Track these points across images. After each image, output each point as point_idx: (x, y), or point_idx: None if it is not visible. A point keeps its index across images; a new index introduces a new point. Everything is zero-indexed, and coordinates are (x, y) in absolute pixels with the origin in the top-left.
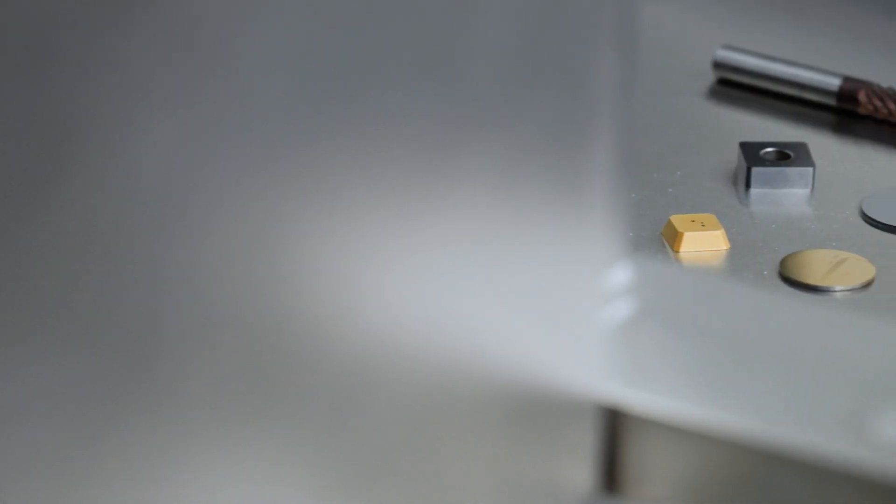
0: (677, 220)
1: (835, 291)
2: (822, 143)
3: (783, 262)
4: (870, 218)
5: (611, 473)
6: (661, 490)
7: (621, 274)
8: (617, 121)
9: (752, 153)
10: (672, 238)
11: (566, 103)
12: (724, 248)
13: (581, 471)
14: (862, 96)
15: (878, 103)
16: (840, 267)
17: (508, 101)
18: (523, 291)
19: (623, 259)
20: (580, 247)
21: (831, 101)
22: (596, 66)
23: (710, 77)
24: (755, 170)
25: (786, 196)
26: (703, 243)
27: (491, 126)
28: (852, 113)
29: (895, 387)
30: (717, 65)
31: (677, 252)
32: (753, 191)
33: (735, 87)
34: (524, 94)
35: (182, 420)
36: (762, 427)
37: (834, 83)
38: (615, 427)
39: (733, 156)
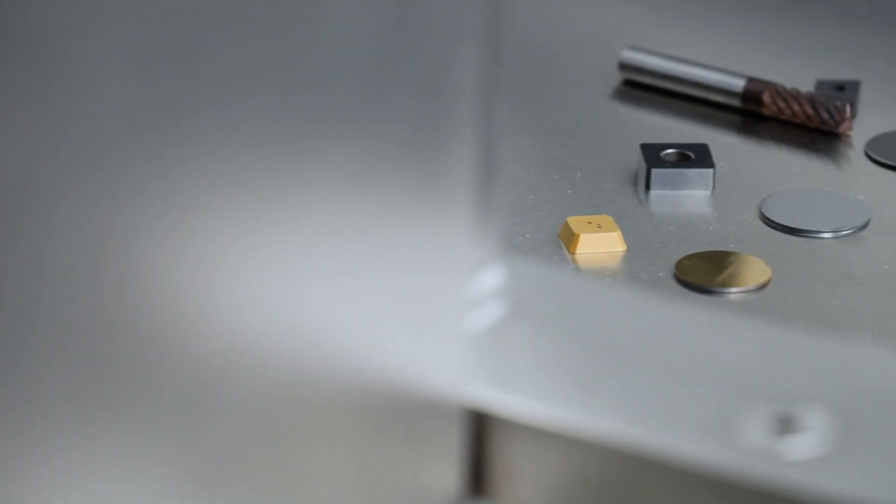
0: (574, 221)
1: (730, 293)
2: (726, 145)
3: (678, 264)
4: (769, 219)
5: (477, 476)
6: (527, 492)
7: (493, 276)
8: (483, 122)
9: (652, 154)
10: (568, 240)
11: (429, 104)
12: (621, 249)
13: (446, 473)
14: (766, 97)
15: (782, 104)
16: (736, 269)
17: (370, 101)
18: (388, 294)
19: (495, 261)
20: (448, 249)
21: (736, 103)
22: (459, 66)
23: (617, 78)
24: (655, 171)
25: (686, 197)
26: (599, 245)
27: (351, 127)
28: (757, 114)
29: (767, 390)
30: (623, 66)
31: (573, 254)
32: (653, 192)
33: (641, 88)
34: (386, 94)
35: (29, 420)
36: (628, 430)
37: (738, 84)
38: (481, 430)
39: (635, 157)
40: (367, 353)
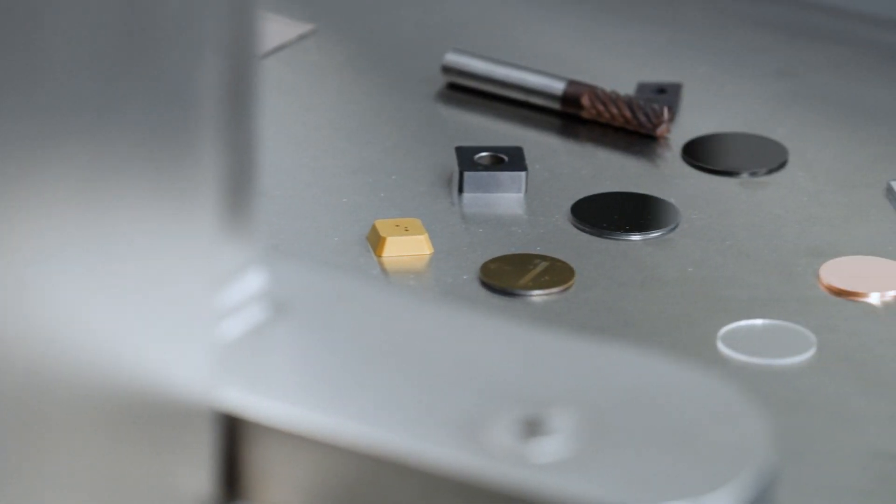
0: (381, 224)
1: (532, 296)
2: (544, 147)
3: (483, 267)
4: (578, 222)
5: (231, 479)
6: (281, 496)
7: (254, 281)
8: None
9: (466, 157)
10: (375, 243)
11: (172, 113)
12: (428, 252)
13: (199, 477)
14: (585, 100)
15: (601, 107)
16: (541, 271)
17: (103, 106)
18: (136, 299)
19: (257, 265)
20: (199, 255)
21: (556, 106)
22: (200, 72)
23: (441, 81)
24: (467, 174)
25: (498, 200)
26: (406, 248)
27: (81, 133)
28: (578, 117)
29: (522, 393)
30: (446, 69)
31: (380, 256)
32: (466, 195)
33: (464, 91)
34: (120, 99)
35: None
36: (379, 433)
37: (558, 87)
38: (235, 433)
39: (453, 160)
40: (115, 358)
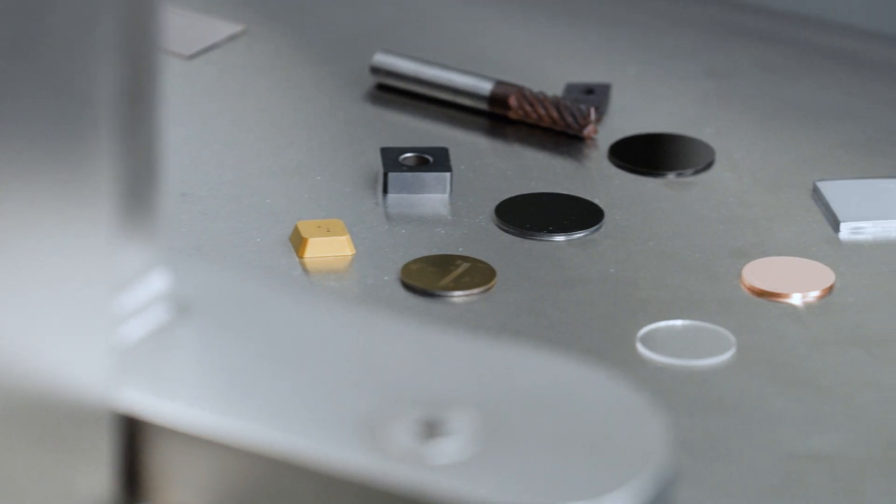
0: (303, 225)
1: (453, 297)
2: (471, 148)
3: (405, 268)
4: (502, 222)
5: (131, 481)
6: (182, 497)
7: (157, 282)
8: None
9: (391, 158)
10: (297, 244)
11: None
12: (350, 253)
13: (99, 478)
14: (512, 101)
15: (528, 108)
16: (462, 272)
17: None
18: (36, 298)
19: (160, 266)
20: (100, 256)
21: (484, 106)
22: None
23: (370, 82)
24: (392, 175)
25: (423, 201)
26: (328, 249)
27: None
28: (505, 117)
29: (422, 395)
30: (375, 69)
31: (302, 258)
32: (391, 196)
33: (393, 91)
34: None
35: None
36: (279, 435)
37: (486, 88)
38: (136, 435)
39: (378, 161)
40: (12, 359)
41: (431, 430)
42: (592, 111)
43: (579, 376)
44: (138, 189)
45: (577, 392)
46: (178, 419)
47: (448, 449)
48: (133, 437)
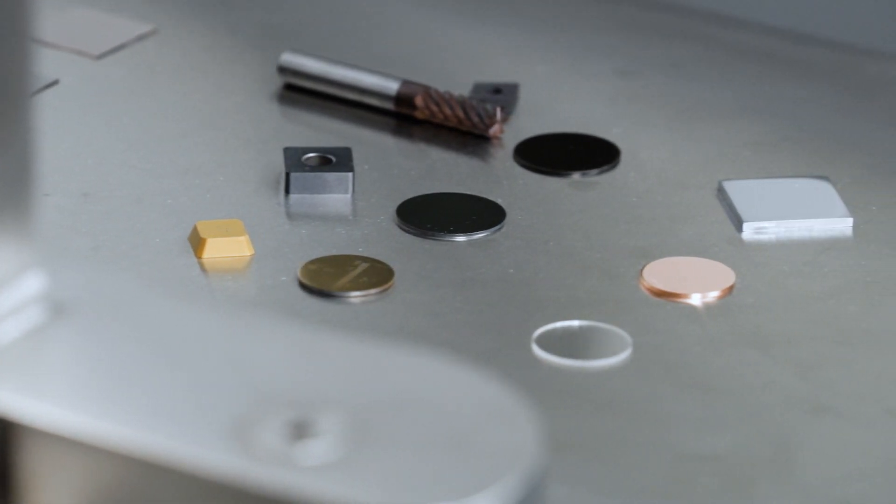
0: (202, 226)
1: (350, 297)
2: (377, 148)
3: (303, 269)
4: (403, 223)
5: (3, 483)
6: (54, 499)
7: (32, 283)
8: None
9: (293, 158)
10: (196, 244)
11: None
12: (248, 253)
13: None
14: (419, 101)
15: (435, 108)
16: (360, 272)
17: None
18: None
19: (35, 268)
20: None
21: (391, 106)
22: None
23: (278, 82)
24: (294, 175)
25: (325, 201)
26: (227, 249)
27: None
28: (412, 117)
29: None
30: (282, 69)
31: (200, 258)
32: (293, 196)
33: (301, 91)
34: None
35: None
36: (149, 437)
37: (392, 87)
38: (8, 437)
39: (282, 161)
40: None
41: (301, 431)
42: (499, 111)
43: (453, 378)
44: (11, 189)
45: (450, 393)
46: (51, 421)
47: (317, 450)
48: (5, 438)
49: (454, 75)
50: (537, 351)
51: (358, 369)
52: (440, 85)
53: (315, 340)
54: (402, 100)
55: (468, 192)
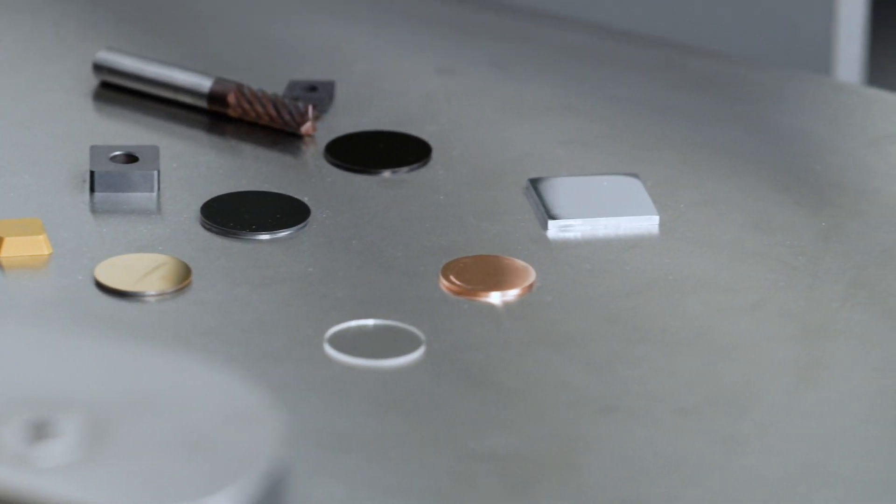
0: (2, 224)
1: (146, 297)
2: (188, 146)
3: (98, 268)
4: (207, 221)
5: None
6: None
7: None
8: None
9: (99, 156)
10: None
11: None
12: (46, 252)
13: None
14: (231, 98)
15: (247, 105)
16: (157, 271)
17: None
18: None
19: None
20: None
21: (204, 104)
22: None
23: (94, 81)
24: (98, 173)
25: (130, 199)
26: (24, 248)
27: None
28: (226, 115)
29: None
30: (98, 67)
31: None
32: (98, 194)
33: (117, 90)
34: None
35: None
36: None
37: (205, 85)
38: None
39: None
40: None
41: (40, 432)
42: (310, 109)
43: (201, 379)
44: None
45: (195, 394)
46: None
47: (56, 451)
48: None
49: (273, 72)
50: (329, 350)
51: (106, 369)
52: (258, 83)
53: (64, 340)
54: (215, 98)
55: (275, 191)
